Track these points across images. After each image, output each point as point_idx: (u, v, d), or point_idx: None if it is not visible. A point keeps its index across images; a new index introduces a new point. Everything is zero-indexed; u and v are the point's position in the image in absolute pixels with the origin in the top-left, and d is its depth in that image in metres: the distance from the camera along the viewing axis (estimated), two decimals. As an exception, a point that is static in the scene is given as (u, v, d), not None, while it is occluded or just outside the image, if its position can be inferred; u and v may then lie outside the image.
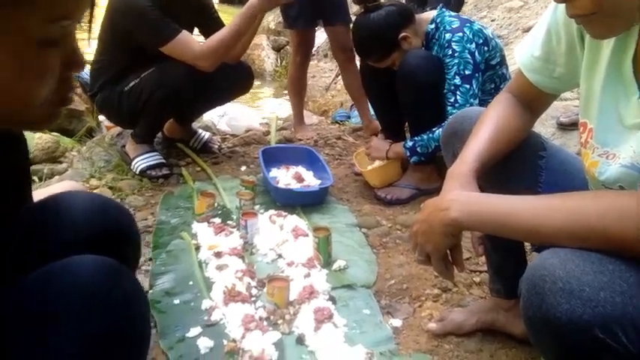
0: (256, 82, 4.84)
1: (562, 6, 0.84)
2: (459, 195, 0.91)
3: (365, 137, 2.76)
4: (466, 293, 1.44)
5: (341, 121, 3.27)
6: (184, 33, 2.00)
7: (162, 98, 2.06)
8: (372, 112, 2.98)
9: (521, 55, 1.04)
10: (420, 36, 1.98)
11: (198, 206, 1.85)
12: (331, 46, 2.83)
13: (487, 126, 1.04)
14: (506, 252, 1.17)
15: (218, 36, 2.04)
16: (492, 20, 3.66)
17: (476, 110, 1.18)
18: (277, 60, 5.29)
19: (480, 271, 1.51)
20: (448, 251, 0.93)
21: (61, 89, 0.56)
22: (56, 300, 0.62)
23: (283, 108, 4.05)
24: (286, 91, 4.00)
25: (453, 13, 1.99)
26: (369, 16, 1.97)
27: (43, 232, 0.84)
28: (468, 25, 1.89)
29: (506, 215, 0.81)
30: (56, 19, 0.51)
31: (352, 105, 3.40)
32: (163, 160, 2.25)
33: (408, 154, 1.97)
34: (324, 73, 4.42)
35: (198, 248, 1.65)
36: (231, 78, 2.23)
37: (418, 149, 1.94)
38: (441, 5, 2.04)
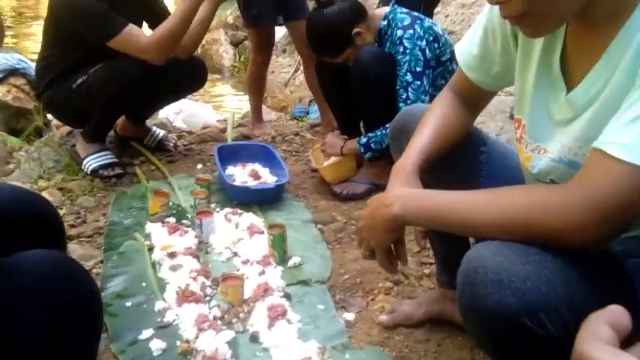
0: (214, 78, 4.81)
1: (497, 6, 0.87)
2: (402, 191, 0.94)
3: (322, 133, 2.77)
4: (417, 285, 1.49)
5: (299, 117, 3.27)
6: (131, 26, 1.94)
7: (112, 95, 2.00)
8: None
9: (461, 53, 1.08)
10: (373, 32, 2.01)
11: (152, 206, 1.83)
12: (294, 41, 2.81)
13: (430, 123, 1.07)
14: (450, 244, 1.21)
15: (163, 26, 1.99)
16: (446, 16, 3.73)
17: (421, 107, 1.22)
18: (235, 55, 5.23)
19: (430, 263, 1.55)
20: (392, 246, 0.96)
21: None
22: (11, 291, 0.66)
23: (241, 104, 4.03)
24: (245, 87, 3.97)
25: (404, 10, 2.03)
26: (322, 12, 1.98)
27: None
28: (419, 22, 1.93)
29: (443, 210, 0.85)
30: None
31: (311, 101, 3.42)
32: (116, 160, 2.20)
33: (362, 150, 2.00)
34: (283, 68, 4.41)
35: (151, 249, 1.63)
36: (185, 73, 2.20)
37: (372, 145, 1.98)
38: (393, 2, 2.07)
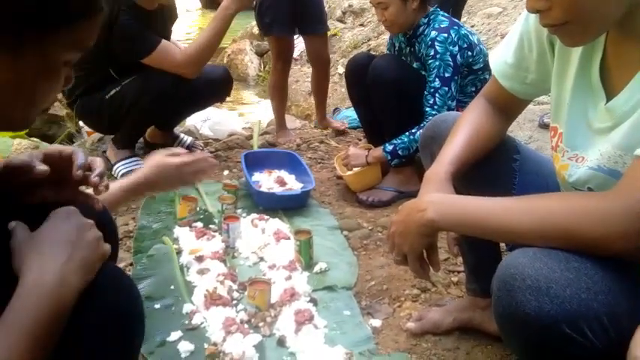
0: (239, 86, 4.87)
1: (534, 14, 0.87)
2: (436, 197, 0.93)
3: (347, 141, 2.79)
4: (444, 293, 1.47)
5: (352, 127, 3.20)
6: (164, 43, 2.01)
7: (146, 105, 2.09)
8: (345, 114, 3.07)
9: (495, 62, 1.07)
10: (415, 17, 2.00)
11: (180, 211, 1.86)
12: (307, 53, 2.88)
13: (463, 130, 1.07)
14: (481, 252, 1.20)
15: (198, 41, 2.06)
16: (472, 26, 3.71)
17: (453, 114, 1.21)
18: (260, 64, 5.29)
19: (458, 271, 1.53)
20: (424, 251, 0.95)
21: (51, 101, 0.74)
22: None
23: (267, 112, 4.06)
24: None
25: (446, 15, 2.04)
26: None
27: None
28: (456, 27, 1.94)
29: (480, 216, 0.84)
30: (82, 49, 0.71)
31: (335, 109, 3.44)
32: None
33: (389, 157, 2.00)
34: (307, 77, 4.43)
35: (179, 252, 1.65)
36: (211, 83, 2.25)
37: (399, 152, 1.97)
38: (436, 5, 2.07)
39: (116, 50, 2.04)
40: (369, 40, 4.55)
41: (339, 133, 2.90)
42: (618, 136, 0.83)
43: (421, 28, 2.00)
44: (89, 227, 0.72)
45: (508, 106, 1.10)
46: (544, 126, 2.41)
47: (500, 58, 1.06)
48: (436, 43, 1.89)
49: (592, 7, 0.75)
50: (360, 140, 2.72)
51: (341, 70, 4.31)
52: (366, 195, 2.08)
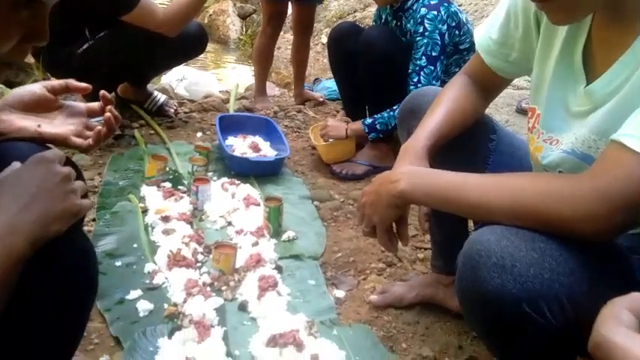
0: (219, 50, 4.74)
1: None
2: (409, 169, 0.92)
3: (325, 112, 2.75)
4: (409, 268, 1.48)
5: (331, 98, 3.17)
6: (144, 0, 1.92)
7: (120, 60, 2.02)
8: (325, 84, 3.04)
9: (480, 37, 1.05)
10: None
11: (149, 169, 1.80)
12: (293, 20, 2.82)
13: (442, 106, 1.05)
14: (449, 229, 1.20)
15: (181, 1, 1.98)
16: (459, 5, 3.67)
17: (432, 89, 1.20)
18: (242, 28, 5.15)
19: (425, 248, 1.54)
20: (394, 224, 0.94)
21: (14, 54, 0.62)
22: None
23: (245, 77, 3.97)
24: (250, 60, 3.92)
25: None
26: None
27: None
28: (446, 5, 1.89)
29: (452, 190, 0.83)
30: None
31: (315, 79, 3.38)
32: (115, 120, 2.16)
33: (367, 130, 1.98)
34: (290, 45, 4.35)
35: (145, 211, 1.61)
36: (185, 37, 2.16)
37: (377, 126, 1.96)
38: None
39: (96, 4, 1.94)
40: (354, 12, 4.47)
41: (318, 103, 2.87)
42: (595, 120, 0.83)
43: (409, 2, 1.95)
44: (60, 178, 0.66)
45: (489, 84, 1.09)
46: (521, 111, 2.42)
47: (485, 34, 1.04)
48: (425, 21, 1.85)
49: None
50: (338, 112, 2.69)
51: (324, 39, 4.23)
52: (340, 167, 2.06)
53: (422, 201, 0.91)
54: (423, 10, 1.87)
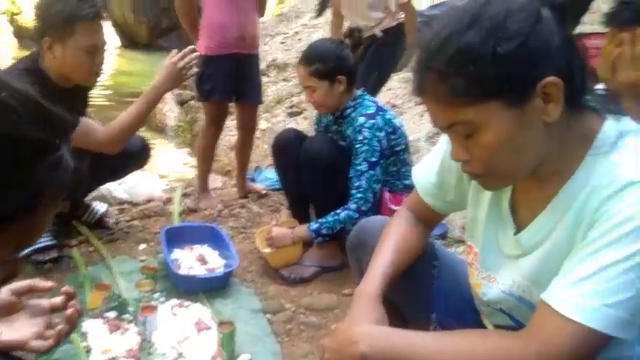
0: (157, 138, 4.70)
1: None
2: (369, 330, 0.94)
3: (269, 206, 2.77)
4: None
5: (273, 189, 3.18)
6: (84, 121, 1.90)
7: None
8: (266, 175, 3.08)
9: (419, 180, 1.13)
10: (342, 100, 2.06)
11: (92, 300, 1.73)
12: (237, 120, 2.90)
13: (390, 245, 1.11)
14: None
15: (122, 120, 1.97)
16: (389, 89, 3.91)
17: (378, 220, 1.26)
18: (180, 114, 5.18)
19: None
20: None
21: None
22: None
23: (185, 168, 3.96)
24: (188, 147, 3.92)
25: (373, 99, 2.13)
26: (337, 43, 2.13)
27: None
28: (381, 113, 2.01)
29: (408, 354, 0.86)
30: None
31: (256, 167, 3.43)
32: (51, 242, 2.07)
33: (314, 235, 2.01)
34: (230, 131, 4.40)
35: (89, 351, 1.53)
36: (127, 155, 2.15)
37: (324, 231, 1.99)
38: (362, 88, 2.15)
39: None
40: (291, 96, 4.63)
41: (261, 195, 2.89)
42: (526, 267, 0.90)
43: (348, 110, 2.07)
44: None
45: (429, 218, 1.17)
46: None
47: (424, 176, 1.12)
48: (364, 129, 1.96)
49: (509, 163, 0.82)
50: (282, 205, 2.71)
51: (264, 125, 4.33)
52: (288, 271, 2.07)
53: None
54: (362, 119, 1.98)
